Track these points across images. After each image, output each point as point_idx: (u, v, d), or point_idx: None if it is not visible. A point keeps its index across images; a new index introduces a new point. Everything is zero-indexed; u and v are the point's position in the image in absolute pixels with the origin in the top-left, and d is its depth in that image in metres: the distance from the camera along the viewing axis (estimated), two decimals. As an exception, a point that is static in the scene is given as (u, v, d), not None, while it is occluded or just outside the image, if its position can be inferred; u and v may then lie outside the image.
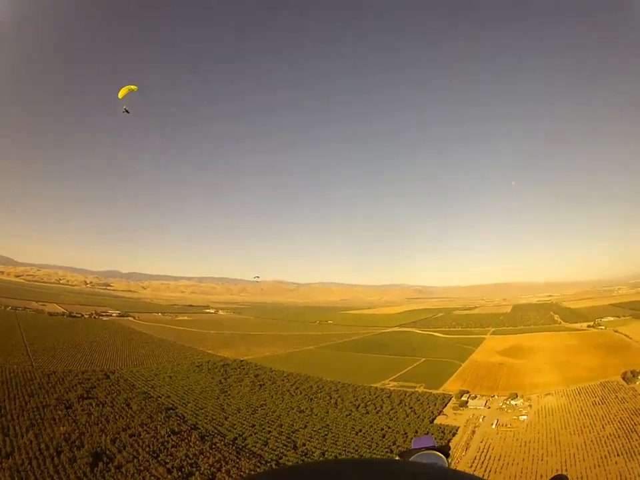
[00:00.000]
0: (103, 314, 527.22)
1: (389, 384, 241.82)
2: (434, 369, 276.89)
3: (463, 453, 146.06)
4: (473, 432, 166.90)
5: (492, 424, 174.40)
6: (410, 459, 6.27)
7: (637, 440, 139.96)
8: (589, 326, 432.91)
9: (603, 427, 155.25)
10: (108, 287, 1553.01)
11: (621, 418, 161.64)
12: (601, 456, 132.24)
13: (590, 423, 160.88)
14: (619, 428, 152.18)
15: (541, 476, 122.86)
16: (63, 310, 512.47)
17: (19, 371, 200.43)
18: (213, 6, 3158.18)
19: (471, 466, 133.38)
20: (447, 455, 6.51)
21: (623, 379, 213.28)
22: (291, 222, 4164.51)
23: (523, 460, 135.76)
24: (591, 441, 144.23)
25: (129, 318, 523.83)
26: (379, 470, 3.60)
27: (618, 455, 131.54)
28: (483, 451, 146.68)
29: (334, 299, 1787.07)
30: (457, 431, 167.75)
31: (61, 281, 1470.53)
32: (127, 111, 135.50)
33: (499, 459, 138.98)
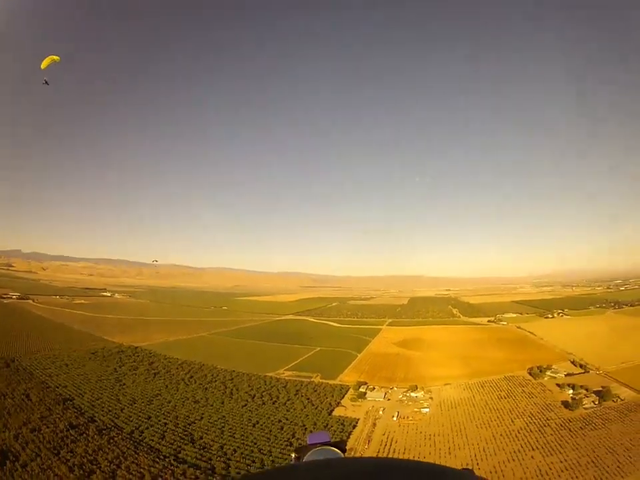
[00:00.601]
0: (4, 296, 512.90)
1: (283, 373, 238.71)
2: (329, 359, 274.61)
3: (366, 446, 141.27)
4: (374, 424, 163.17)
5: (393, 416, 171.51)
6: (308, 455, 6.52)
7: (552, 434, 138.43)
8: (489, 321, 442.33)
9: (512, 421, 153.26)
10: (10, 268, 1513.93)
11: (530, 412, 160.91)
12: (513, 450, 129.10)
13: (497, 417, 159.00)
14: (530, 422, 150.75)
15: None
16: None
17: None
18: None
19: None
20: (344, 451, 6.75)
21: (530, 374, 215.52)
22: (188, 204, 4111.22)
23: (430, 453, 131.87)
24: (500, 434, 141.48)
25: (29, 301, 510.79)
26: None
27: (533, 449, 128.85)
28: (385, 444, 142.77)
29: (230, 285, 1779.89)
30: (357, 423, 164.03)
31: None
32: (46, 82, 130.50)
33: (404, 452, 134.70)
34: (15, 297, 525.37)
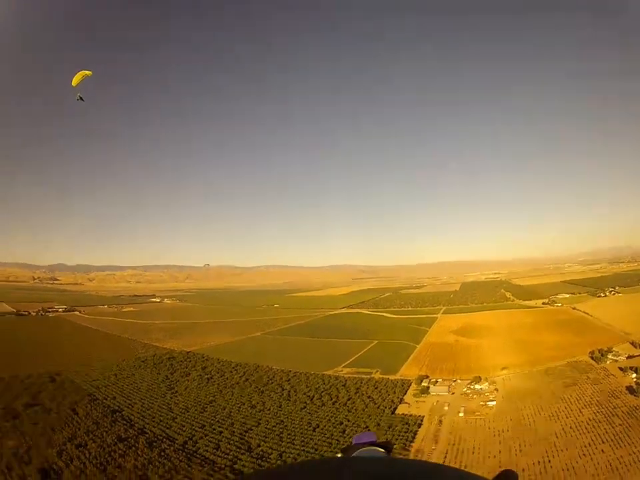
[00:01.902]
0: (50, 310, 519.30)
1: (342, 370, 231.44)
2: (388, 352, 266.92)
3: (433, 447, 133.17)
4: (440, 422, 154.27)
5: (459, 412, 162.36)
6: (354, 455, 6.40)
7: (620, 425, 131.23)
8: (543, 303, 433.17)
9: (580, 411, 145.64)
10: (55, 282, 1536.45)
11: (597, 401, 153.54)
12: (584, 444, 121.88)
13: (565, 407, 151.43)
14: (598, 412, 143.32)
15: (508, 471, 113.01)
16: (10, 309, 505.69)
17: None
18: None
19: (444, 462, 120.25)
20: (390, 451, 6.68)
21: (592, 358, 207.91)
22: (235, 205, 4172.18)
23: (500, 452, 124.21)
24: (570, 427, 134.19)
25: (75, 312, 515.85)
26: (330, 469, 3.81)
27: (603, 442, 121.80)
28: (454, 444, 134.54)
29: (279, 282, 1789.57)
30: (422, 421, 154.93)
31: (9, 279, 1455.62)
32: (81, 99, 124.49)
33: (473, 452, 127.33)
34: (61, 309, 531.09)
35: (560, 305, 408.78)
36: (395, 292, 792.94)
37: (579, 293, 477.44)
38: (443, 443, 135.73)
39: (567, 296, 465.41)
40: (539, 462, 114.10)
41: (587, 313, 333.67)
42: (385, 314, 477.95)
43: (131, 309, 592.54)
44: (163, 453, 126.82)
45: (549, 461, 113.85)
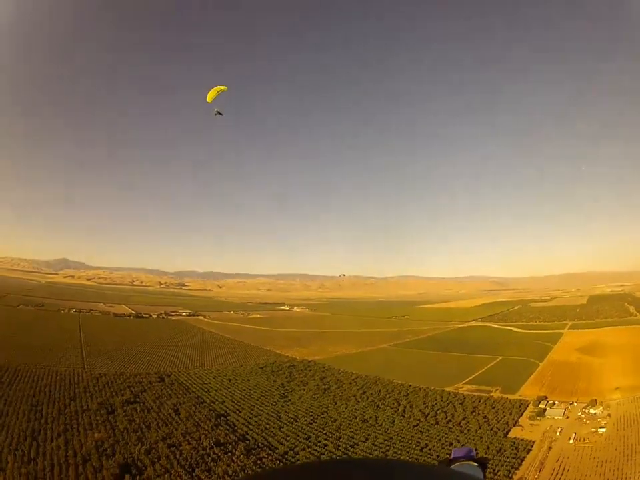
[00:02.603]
0: (173, 314, 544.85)
1: (462, 387, 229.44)
2: (511, 370, 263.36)
3: (536, 476, 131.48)
4: (549, 448, 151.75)
5: (569, 438, 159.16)
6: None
7: None
8: None
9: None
10: (183, 287, 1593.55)
11: None
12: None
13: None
14: None
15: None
16: (130, 311, 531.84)
17: (67, 373, 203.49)
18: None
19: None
20: (485, 467, 6.89)
21: None
22: (368, 215, 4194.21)
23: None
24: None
25: (199, 317, 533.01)
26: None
27: None
28: (557, 473, 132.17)
29: (411, 293, 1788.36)
30: (532, 446, 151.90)
31: (134, 283, 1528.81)
32: (219, 113, 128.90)
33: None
34: (184, 314, 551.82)
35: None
36: (524, 305, 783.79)
37: None
38: (547, 471, 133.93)
39: None
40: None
41: None
42: (513, 328, 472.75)
43: (258, 315, 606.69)
44: (258, 461, 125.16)
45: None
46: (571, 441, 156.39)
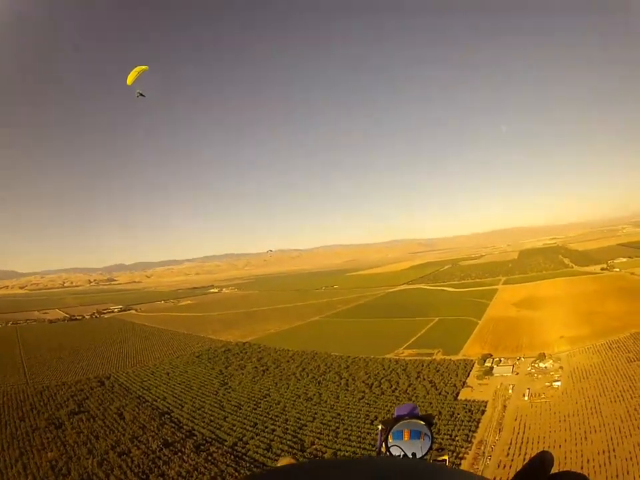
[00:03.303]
0: (105, 311, 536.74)
1: (403, 353, 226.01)
2: (450, 330, 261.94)
3: (496, 437, 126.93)
4: (504, 407, 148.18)
5: (523, 394, 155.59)
6: (395, 428, 6.57)
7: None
8: (602, 269, 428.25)
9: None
10: (112, 282, 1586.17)
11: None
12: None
13: (630, 386, 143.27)
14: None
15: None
16: (64, 315, 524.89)
17: (13, 393, 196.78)
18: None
19: (508, 454, 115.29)
20: (431, 424, 6.76)
21: None
22: (287, 188, 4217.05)
23: (565, 441, 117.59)
24: (635, 409, 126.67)
25: (131, 311, 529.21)
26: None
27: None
28: (518, 432, 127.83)
29: (338, 262, 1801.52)
30: (485, 407, 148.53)
31: (65, 284, 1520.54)
32: (141, 94, 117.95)
33: (539, 442, 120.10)
34: (116, 310, 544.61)
35: (618, 270, 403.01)
36: (454, 264, 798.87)
37: (637, 257, 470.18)
38: (507, 431, 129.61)
39: (624, 260, 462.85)
40: (603, 451, 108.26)
41: None
42: (445, 288, 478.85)
43: (189, 302, 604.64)
44: (210, 458, 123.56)
45: (614, 449, 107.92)
46: (526, 398, 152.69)
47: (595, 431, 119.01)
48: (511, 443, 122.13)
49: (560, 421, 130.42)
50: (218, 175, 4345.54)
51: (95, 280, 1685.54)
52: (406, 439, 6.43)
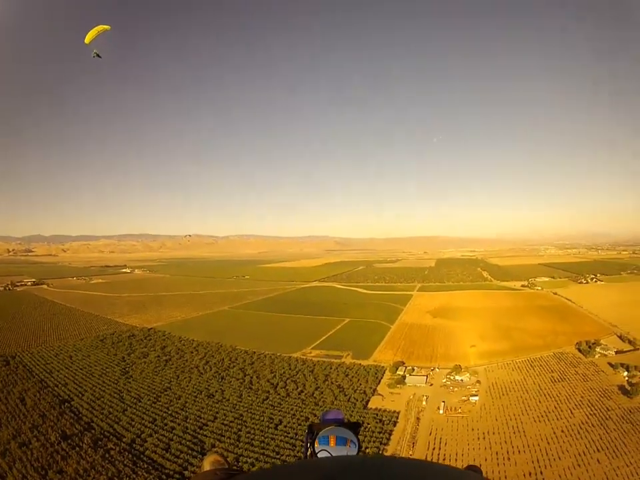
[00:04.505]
0: (19, 284, 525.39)
1: (310, 352, 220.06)
2: (361, 333, 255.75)
3: (410, 452, 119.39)
4: (418, 419, 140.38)
5: (439, 407, 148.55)
6: (321, 433, 6.58)
7: (615, 430, 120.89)
8: (523, 285, 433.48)
9: (572, 413, 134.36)
10: (29, 253, 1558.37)
11: (589, 400, 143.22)
12: (578, 452, 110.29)
13: (555, 406, 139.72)
14: (590, 414, 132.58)
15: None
16: None
17: None
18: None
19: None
20: (357, 432, 6.75)
21: (579, 350, 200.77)
22: (208, 172, 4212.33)
23: (486, 460, 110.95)
24: (562, 430, 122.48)
25: (43, 286, 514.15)
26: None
27: (598, 449, 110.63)
28: (434, 448, 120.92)
29: (252, 252, 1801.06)
30: (397, 418, 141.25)
31: None
32: (98, 55, 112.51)
33: (457, 459, 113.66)
34: (29, 283, 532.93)
35: (540, 288, 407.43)
36: (368, 265, 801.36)
37: (559, 277, 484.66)
38: (422, 446, 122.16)
39: (547, 279, 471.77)
40: (530, 473, 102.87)
41: (569, 300, 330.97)
42: (358, 289, 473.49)
43: (100, 280, 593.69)
44: (107, 455, 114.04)
45: (541, 472, 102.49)
46: (441, 411, 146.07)
47: (519, 452, 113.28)
48: (425, 459, 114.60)
49: (479, 439, 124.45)
50: (140, 154, 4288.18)
51: (13, 250, 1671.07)
52: (332, 444, 6.38)
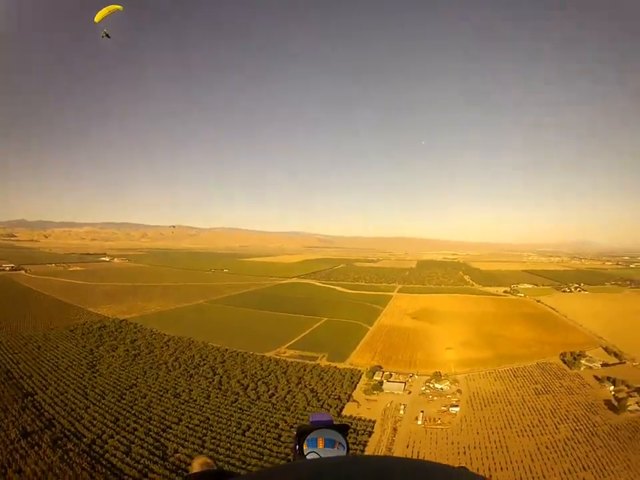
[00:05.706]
0: None
1: (284, 352, 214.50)
2: (337, 334, 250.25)
3: None
4: (395, 430, 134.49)
5: (417, 418, 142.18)
6: (310, 435, 6.69)
7: (601, 447, 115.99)
8: (505, 291, 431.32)
9: (557, 427, 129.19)
10: (12, 238, 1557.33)
11: (574, 415, 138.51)
12: (564, 470, 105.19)
13: (539, 421, 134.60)
14: (576, 429, 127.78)
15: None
16: None
17: None
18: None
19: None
20: (346, 434, 6.92)
21: (563, 361, 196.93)
22: (194, 163, 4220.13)
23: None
24: (546, 447, 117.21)
25: (21, 272, 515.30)
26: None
27: (584, 468, 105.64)
28: None
29: (236, 245, 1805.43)
30: (373, 427, 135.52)
31: None
32: (107, 35, 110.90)
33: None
34: (8, 268, 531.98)
35: (522, 295, 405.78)
36: (349, 264, 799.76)
37: (542, 285, 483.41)
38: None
39: (530, 286, 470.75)
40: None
41: (553, 308, 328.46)
42: (336, 287, 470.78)
43: (78, 268, 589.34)
44: (65, 456, 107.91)
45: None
46: (420, 422, 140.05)
47: (502, 469, 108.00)
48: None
49: (459, 453, 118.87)
50: (128, 144, 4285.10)
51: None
52: (320, 446, 6.50)
